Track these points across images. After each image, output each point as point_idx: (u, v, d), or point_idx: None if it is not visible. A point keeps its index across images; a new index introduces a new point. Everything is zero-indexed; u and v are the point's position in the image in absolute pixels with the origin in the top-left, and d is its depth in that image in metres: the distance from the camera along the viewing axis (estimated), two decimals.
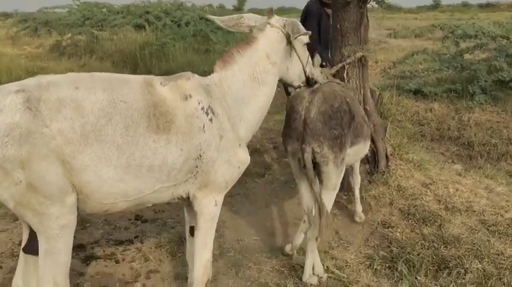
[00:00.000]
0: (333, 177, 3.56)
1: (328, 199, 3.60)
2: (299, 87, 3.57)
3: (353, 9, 4.59)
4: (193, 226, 3.20)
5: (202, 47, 13.56)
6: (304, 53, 3.45)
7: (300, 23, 3.31)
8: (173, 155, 2.75)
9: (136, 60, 13.13)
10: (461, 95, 7.52)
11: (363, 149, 4.04)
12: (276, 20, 3.30)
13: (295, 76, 3.46)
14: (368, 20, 4.81)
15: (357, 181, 4.63)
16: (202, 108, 2.88)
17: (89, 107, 2.53)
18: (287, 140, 3.61)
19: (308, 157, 3.43)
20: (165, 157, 2.72)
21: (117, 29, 17.08)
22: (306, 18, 6.05)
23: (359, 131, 3.79)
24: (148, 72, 12.32)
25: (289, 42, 3.27)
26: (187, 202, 3.12)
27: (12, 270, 3.85)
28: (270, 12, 3.33)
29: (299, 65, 3.41)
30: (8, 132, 2.33)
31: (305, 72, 3.48)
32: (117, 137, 2.58)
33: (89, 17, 19.83)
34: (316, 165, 3.49)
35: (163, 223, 4.77)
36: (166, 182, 2.81)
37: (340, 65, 4.61)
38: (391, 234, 4.26)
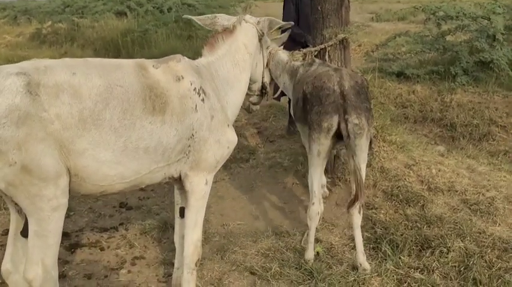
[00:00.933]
0: (365, 149, 3.65)
1: (364, 171, 3.68)
2: (255, 95, 3.96)
3: None
4: (183, 207, 3.27)
5: (185, 33, 13.39)
6: (265, 58, 3.79)
7: (277, 20, 3.61)
8: (168, 136, 2.84)
9: (119, 48, 13.00)
10: (444, 77, 7.53)
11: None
12: (249, 17, 3.59)
13: (259, 76, 3.79)
14: (349, 2, 4.80)
15: None
16: (195, 89, 2.99)
17: (87, 92, 2.59)
18: (322, 117, 3.56)
19: (352, 127, 3.48)
20: (161, 138, 2.81)
21: (98, 16, 16.88)
22: (285, 1, 6.05)
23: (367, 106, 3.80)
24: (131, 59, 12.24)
25: (260, 39, 3.60)
26: (178, 183, 3.19)
27: None
28: (244, 10, 3.64)
29: (261, 66, 3.75)
30: (7, 114, 2.35)
31: (263, 77, 3.83)
32: (115, 121, 2.64)
33: (69, 4, 19.62)
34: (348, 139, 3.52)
35: (148, 210, 4.77)
36: (161, 162, 2.89)
37: (321, 46, 4.60)
38: (375, 215, 4.30)
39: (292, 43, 5.27)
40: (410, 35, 8.47)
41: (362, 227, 4.17)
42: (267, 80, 3.98)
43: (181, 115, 2.90)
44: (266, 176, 5.38)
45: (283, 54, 4.32)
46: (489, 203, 4.17)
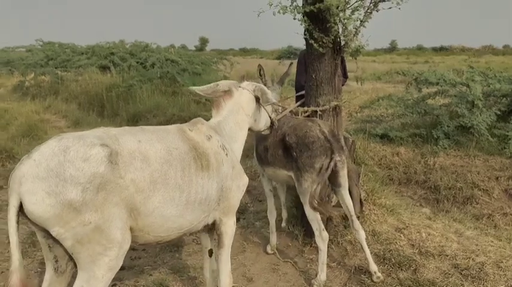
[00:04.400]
0: (346, 177, 4.45)
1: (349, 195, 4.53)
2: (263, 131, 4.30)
3: (328, 60, 4.78)
4: (211, 249, 3.80)
5: (169, 89, 13.58)
6: (269, 108, 4.18)
7: (267, 90, 4.02)
8: (212, 188, 3.27)
9: (103, 102, 13.08)
10: (426, 140, 7.79)
11: None
12: (246, 84, 4.00)
13: (262, 125, 4.16)
14: (340, 70, 5.01)
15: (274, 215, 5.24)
16: (220, 146, 3.45)
17: (153, 156, 2.93)
18: (314, 159, 4.27)
19: (338, 163, 4.32)
20: (208, 191, 3.23)
21: (82, 70, 16.97)
22: (298, 65, 6.25)
23: None
24: (115, 115, 12.26)
25: (257, 102, 3.99)
26: (206, 229, 3.57)
27: None
28: (241, 78, 4.17)
29: (266, 117, 4.14)
30: (91, 180, 2.59)
31: (272, 120, 4.19)
32: (178, 179, 3.01)
33: (52, 57, 19.62)
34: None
35: (141, 270, 4.73)
36: (206, 212, 3.29)
37: (312, 108, 4.82)
38: (367, 280, 4.35)
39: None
40: (393, 99, 8.77)
41: None
42: (273, 116, 4.29)
43: (217, 169, 3.32)
44: (258, 237, 5.42)
45: None
46: (479, 269, 4.25)
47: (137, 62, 17.63)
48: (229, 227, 3.52)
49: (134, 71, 16.20)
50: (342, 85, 6.34)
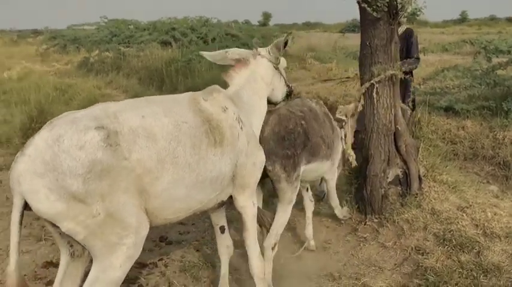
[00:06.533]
0: (288, 192, 3.75)
1: (283, 211, 3.82)
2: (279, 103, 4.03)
3: (383, 25, 4.45)
4: (223, 226, 3.68)
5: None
6: (284, 74, 3.97)
7: (279, 39, 3.80)
8: (226, 165, 3.01)
9: (163, 77, 13.17)
10: (495, 113, 7.23)
11: (320, 167, 4.18)
12: (261, 50, 3.79)
13: (279, 94, 3.93)
14: (398, 37, 4.66)
15: (334, 204, 4.67)
16: (236, 118, 3.17)
17: (159, 133, 2.67)
18: None
19: (270, 173, 3.64)
20: (221, 168, 2.98)
21: (143, 46, 17.26)
22: None
23: (315, 151, 3.98)
24: (175, 89, 12.33)
25: (276, 67, 3.79)
26: (220, 206, 3.39)
27: None
28: (256, 44, 3.92)
29: (283, 86, 3.92)
30: (91, 169, 2.39)
31: (290, 87, 4.01)
32: (188, 157, 2.76)
33: (116, 33, 20.11)
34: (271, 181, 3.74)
35: (188, 245, 4.66)
36: (218, 190, 3.06)
37: (367, 83, 4.47)
38: (426, 260, 4.05)
39: None
40: (459, 69, 8.20)
41: (412, 273, 3.98)
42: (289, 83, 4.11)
43: (232, 144, 3.05)
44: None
45: None
46: None
47: (198, 37, 17.74)
48: (248, 209, 3.32)
49: (194, 46, 16.26)
50: (414, 68, 5.93)
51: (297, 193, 3.85)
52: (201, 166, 2.82)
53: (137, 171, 2.53)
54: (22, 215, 2.43)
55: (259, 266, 3.43)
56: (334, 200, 4.65)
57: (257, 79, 3.59)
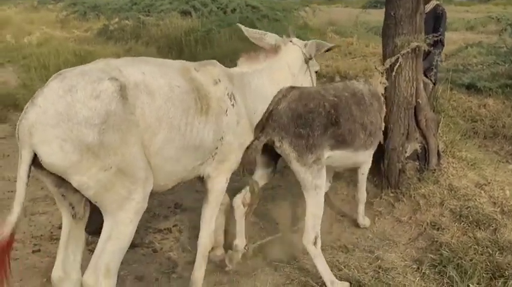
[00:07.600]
0: (305, 175, 3.36)
1: (310, 199, 3.42)
2: None
3: None
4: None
5: None
6: (314, 80, 3.97)
7: (324, 43, 3.86)
8: (208, 136, 2.99)
9: (182, 47, 13.09)
10: None
11: (353, 156, 3.80)
12: (296, 40, 3.82)
13: None
14: (424, 8, 4.54)
15: (361, 197, 4.29)
16: (228, 94, 3.18)
17: (157, 91, 2.68)
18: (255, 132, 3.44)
19: (258, 145, 3.28)
20: (204, 137, 2.96)
21: (163, 15, 17.09)
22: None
23: (347, 138, 3.60)
24: (194, 59, 12.29)
25: (306, 61, 3.80)
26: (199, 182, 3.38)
27: (51, 254, 3.85)
28: (291, 33, 3.92)
29: (308, 82, 3.88)
30: (105, 120, 2.38)
31: None
32: (179, 120, 2.76)
33: (136, 2, 19.95)
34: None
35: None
36: (199, 161, 3.04)
37: (394, 58, 4.36)
38: (441, 236, 4.00)
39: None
40: (483, 46, 8.05)
41: (426, 248, 3.94)
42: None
43: (218, 117, 3.06)
44: None
45: None
46: None
47: (218, 8, 17.53)
48: (217, 184, 3.25)
49: (214, 16, 16.12)
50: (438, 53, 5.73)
51: (323, 179, 3.44)
52: (188, 130, 2.83)
53: (141, 126, 2.55)
54: (30, 171, 2.39)
55: (206, 243, 3.35)
56: (362, 194, 4.28)
57: (282, 67, 3.61)
